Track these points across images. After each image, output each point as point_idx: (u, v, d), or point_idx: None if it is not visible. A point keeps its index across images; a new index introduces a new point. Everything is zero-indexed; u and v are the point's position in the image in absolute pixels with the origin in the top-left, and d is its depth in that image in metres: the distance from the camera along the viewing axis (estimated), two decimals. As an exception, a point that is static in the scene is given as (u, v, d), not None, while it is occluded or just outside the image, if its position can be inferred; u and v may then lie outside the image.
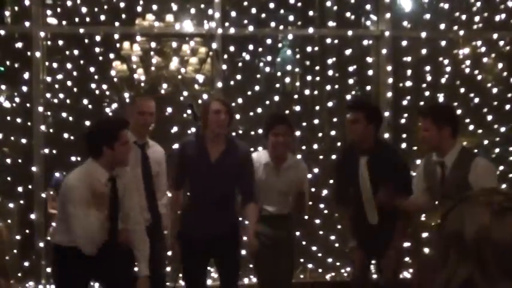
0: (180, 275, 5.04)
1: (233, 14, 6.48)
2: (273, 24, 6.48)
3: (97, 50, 6.34)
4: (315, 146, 6.43)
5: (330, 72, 6.70)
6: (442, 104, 5.72)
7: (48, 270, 5.67)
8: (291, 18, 6.69)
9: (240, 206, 4.67)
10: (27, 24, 6.08)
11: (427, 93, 6.61)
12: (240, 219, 4.76)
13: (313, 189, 5.15)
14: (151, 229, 4.53)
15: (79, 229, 3.84)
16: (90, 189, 3.91)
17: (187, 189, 4.72)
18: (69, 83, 6.24)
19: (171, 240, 4.67)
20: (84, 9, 6.31)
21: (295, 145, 5.51)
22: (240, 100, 6.43)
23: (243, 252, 4.90)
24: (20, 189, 6.00)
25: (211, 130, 4.42)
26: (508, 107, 6.74)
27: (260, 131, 5.38)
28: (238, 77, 6.57)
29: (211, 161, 4.41)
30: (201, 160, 4.45)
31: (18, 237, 6.15)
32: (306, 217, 6.14)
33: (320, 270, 6.32)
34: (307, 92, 6.80)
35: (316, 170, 6.22)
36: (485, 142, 6.73)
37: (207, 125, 4.44)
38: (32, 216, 5.90)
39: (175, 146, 5.12)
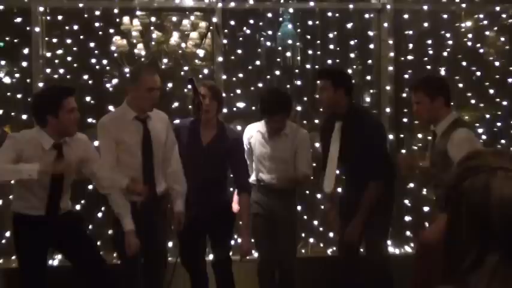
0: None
1: (233, -13, 6.43)
2: (273, -3, 6.43)
3: (97, 24, 6.29)
4: (316, 121, 6.41)
5: (331, 46, 6.66)
6: (431, 76, 5.73)
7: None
8: (292, -9, 6.64)
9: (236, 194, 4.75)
10: (25, -2, 6.04)
11: (428, 67, 6.57)
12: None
13: (314, 164, 5.13)
14: (150, 205, 4.48)
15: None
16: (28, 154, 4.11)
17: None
18: (68, 58, 6.20)
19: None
20: (83, -16, 6.26)
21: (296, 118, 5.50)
22: (240, 75, 6.41)
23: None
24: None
25: (200, 111, 4.47)
26: (510, 80, 6.71)
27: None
28: (239, 51, 6.53)
29: (202, 145, 4.45)
30: (193, 144, 4.53)
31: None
32: (307, 192, 6.18)
33: (321, 245, 6.33)
34: (308, 66, 6.75)
35: (317, 145, 6.21)
36: (487, 116, 6.71)
37: (199, 110, 4.52)
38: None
39: (176, 121, 5.10)
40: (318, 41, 6.84)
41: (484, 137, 6.52)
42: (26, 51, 6.05)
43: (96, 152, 4.46)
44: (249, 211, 4.71)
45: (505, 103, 6.66)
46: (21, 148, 4.11)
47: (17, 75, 6.26)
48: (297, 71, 6.83)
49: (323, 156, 4.97)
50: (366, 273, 4.82)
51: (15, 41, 6.23)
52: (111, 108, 5.60)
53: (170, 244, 5.97)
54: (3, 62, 6.33)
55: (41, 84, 5.93)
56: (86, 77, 6.21)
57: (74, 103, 4.21)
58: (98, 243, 5.22)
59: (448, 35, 6.67)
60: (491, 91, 6.66)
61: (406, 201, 6.35)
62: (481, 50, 6.84)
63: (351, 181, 4.89)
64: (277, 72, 6.57)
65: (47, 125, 4.18)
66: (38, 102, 4.28)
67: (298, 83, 6.54)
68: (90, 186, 5.71)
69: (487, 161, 1.39)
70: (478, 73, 6.69)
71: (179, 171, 4.63)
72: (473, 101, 6.62)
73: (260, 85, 6.40)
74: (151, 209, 4.46)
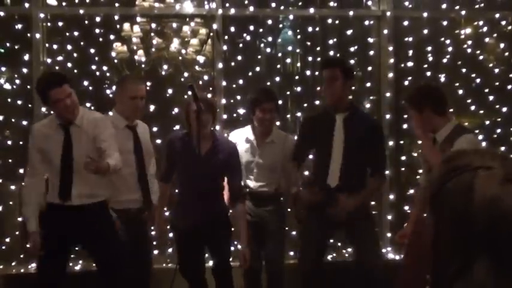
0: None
1: (233, -6, 6.45)
2: (273, 4, 6.44)
3: (97, 31, 6.31)
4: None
5: (331, 53, 6.67)
6: (417, 87, 5.71)
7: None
8: (292, -2, 6.67)
9: (228, 203, 4.71)
10: (26, 5, 6.06)
11: (428, 74, 6.59)
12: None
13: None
14: (142, 211, 4.64)
15: None
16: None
17: (176, 183, 4.78)
18: (69, 65, 6.21)
19: (159, 230, 4.84)
20: (83, -10, 6.28)
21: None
22: (240, 81, 6.42)
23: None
24: (21, 171, 5.98)
25: (193, 128, 4.44)
26: (509, 87, 6.72)
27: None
28: (239, 58, 6.55)
29: (197, 157, 4.42)
30: (189, 156, 4.49)
31: (20, 219, 6.15)
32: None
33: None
34: (308, 72, 6.77)
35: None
36: (487, 122, 6.72)
37: (190, 124, 4.48)
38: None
39: (176, 127, 5.13)
40: (318, 48, 6.85)
41: (483, 143, 6.52)
42: (26, 57, 6.06)
43: (110, 132, 4.37)
44: (246, 219, 4.71)
45: (504, 110, 6.67)
46: (38, 141, 4.25)
47: (17, 81, 6.27)
48: (296, 77, 6.84)
49: (299, 147, 4.86)
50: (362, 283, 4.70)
51: (16, 47, 6.24)
52: (111, 114, 5.60)
53: (170, 250, 5.99)
54: (3, 68, 6.34)
55: (41, 91, 5.94)
56: (86, 83, 6.22)
57: (61, 93, 4.12)
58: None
59: (447, 41, 6.69)
60: (491, 98, 6.66)
61: (406, 208, 6.35)
62: (481, 57, 6.85)
63: (349, 175, 4.60)
64: (277, 79, 6.58)
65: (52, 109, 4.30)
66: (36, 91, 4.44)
67: (298, 89, 6.55)
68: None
69: (469, 161, 1.32)
70: (478, 80, 6.70)
71: (155, 182, 4.83)
72: (472, 108, 6.62)
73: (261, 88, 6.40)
74: (139, 214, 4.63)
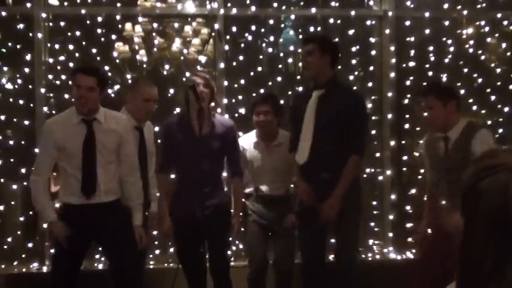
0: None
1: (235, -6, 6.45)
2: (275, 4, 6.45)
3: (99, 31, 6.32)
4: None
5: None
6: (440, 82, 5.71)
7: (52, 251, 5.67)
8: (293, -2, 6.66)
9: (227, 180, 4.72)
10: (28, 5, 6.07)
11: (430, 74, 6.58)
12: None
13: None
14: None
15: None
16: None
17: (175, 172, 4.77)
18: (71, 64, 6.21)
19: (160, 223, 4.68)
20: (85, -10, 6.28)
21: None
22: (242, 81, 6.42)
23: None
24: (23, 170, 6.01)
25: (192, 106, 4.43)
26: (511, 87, 6.71)
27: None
28: (241, 57, 6.54)
29: (196, 137, 4.40)
30: (187, 137, 4.47)
31: (22, 218, 6.17)
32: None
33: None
34: (310, 72, 6.75)
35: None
36: (489, 122, 6.71)
37: (189, 102, 4.46)
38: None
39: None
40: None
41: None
42: (28, 57, 6.07)
43: (130, 135, 4.42)
44: (242, 194, 4.74)
45: (506, 109, 6.66)
46: (55, 137, 4.16)
47: (19, 81, 6.27)
48: (298, 77, 6.83)
49: (293, 137, 4.69)
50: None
51: (18, 47, 6.24)
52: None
53: (171, 250, 5.99)
54: (5, 68, 6.35)
55: (43, 90, 5.96)
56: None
57: (83, 80, 4.14)
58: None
59: (449, 41, 6.69)
60: (493, 98, 6.66)
61: (408, 208, 6.35)
62: (483, 57, 6.84)
63: (323, 154, 4.41)
64: (279, 79, 6.58)
65: None
66: None
67: (300, 89, 6.55)
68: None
69: (505, 160, 1.28)
70: (480, 80, 6.69)
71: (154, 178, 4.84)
72: (474, 108, 6.61)
73: (262, 91, 6.39)
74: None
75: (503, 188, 1.24)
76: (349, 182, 4.39)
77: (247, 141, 5.03)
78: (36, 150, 5.70)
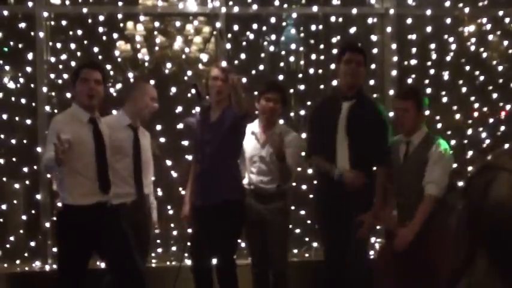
0: (186, 254, 5.10)
1: (237, -8, 6.45)
2: (277, 2, 6.44)
3: (100, 29, 6.33)
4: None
5: (335, 51, 6.65)
6: (413, 85, 5.92)
7: (55, 250, 5.68)
8: (295, -4, 6.67)
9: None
10: (30, 4, 6.06)
11: (431, 71, 6.58)
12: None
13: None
14: (135, 207, 4.66)
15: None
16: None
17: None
18: (73, 63, 6.22)
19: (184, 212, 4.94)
20: (87, -11, 6.29)
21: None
22: (244, 79, 6.40)
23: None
24: (25, 169, 6.02)
25: (211, 97, 4.67)
26: (513, 84, 6.72)
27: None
28: (242, 56, 6.55)
29: (210, 123, 4.63)
30: (202, 125, 4.67)
31: (24, 217, 6.18)
32: (311, 196, 6.16)
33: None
34: (311, 70, 6.75)
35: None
36: (491, 120, 6.71)
37: (209, 92, 4.70)
38: (38, 196, 5.91)
39: (180, 126, 5.14)
40: (322, 46, 6.85)
41: (487, 141, 6.53)
42: (30, 56, 6.07)
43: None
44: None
45: (508, 107, 6.66)
46: (60, 128, 4.04)
47: (21, 80, 6.28)
48: (300, 75, 6.83)
49: (313, 139, 4.81)
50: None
51: (20, 46, 6.25)
52: (114, 113, 5.61)
53: (173, 248, 6.01)
54: (7, 67, 6.36)
55: (45, 89, 5.96)
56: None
57: (90, 74, 4.19)
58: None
59: (451, 39, 6.68)
60: (495, 95, 6.66)
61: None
62: (484, 55, 6.85)
63: (359, 165, 4.52)
64: (281, 77, 6.57)
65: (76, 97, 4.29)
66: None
67: (302, 87, 6.55)
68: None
69: (501, 161, 1.32)
70: (481, 77, 6.70)
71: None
72: (476, 105, 6.61)
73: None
74: (139, 209, 4.68)
75: (484, 187, 1.29)
76: (382, 187, 4.54)
77: (247, 128, 5.00)
78: (39, 149, 5.74)
